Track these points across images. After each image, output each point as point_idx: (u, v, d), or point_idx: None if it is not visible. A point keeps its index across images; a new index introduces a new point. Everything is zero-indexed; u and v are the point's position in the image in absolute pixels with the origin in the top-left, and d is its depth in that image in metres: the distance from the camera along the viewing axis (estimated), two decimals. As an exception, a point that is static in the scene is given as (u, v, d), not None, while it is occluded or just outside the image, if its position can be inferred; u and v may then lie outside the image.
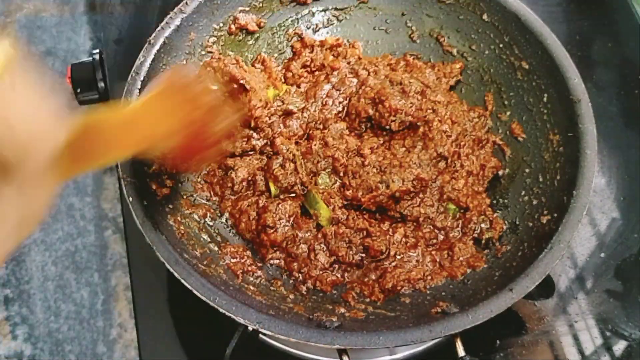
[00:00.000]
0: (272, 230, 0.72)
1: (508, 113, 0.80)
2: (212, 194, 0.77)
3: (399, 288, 0.70)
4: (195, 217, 0.74)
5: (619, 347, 0.77)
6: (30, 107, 0.31)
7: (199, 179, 0.77)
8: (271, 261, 0.73)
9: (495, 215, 0.75)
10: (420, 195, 0.75)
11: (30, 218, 0.34)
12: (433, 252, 0.73)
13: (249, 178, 0.77)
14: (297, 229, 0.73)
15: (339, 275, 0.72)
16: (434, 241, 0.74)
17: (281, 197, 0.75)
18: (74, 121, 0.40)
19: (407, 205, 0.74)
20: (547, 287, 0.80)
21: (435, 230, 0.74)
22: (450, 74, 0.84)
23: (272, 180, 0.75)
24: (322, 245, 0.72)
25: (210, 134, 0.61)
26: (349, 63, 0.85)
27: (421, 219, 0.74)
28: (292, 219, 0.73)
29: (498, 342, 0.76)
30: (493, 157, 0.79)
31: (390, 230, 0.73)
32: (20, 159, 0.31)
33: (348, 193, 0.74)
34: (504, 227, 0.74)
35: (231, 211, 0.76)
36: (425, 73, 0.83)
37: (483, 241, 0.73)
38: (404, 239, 0.73)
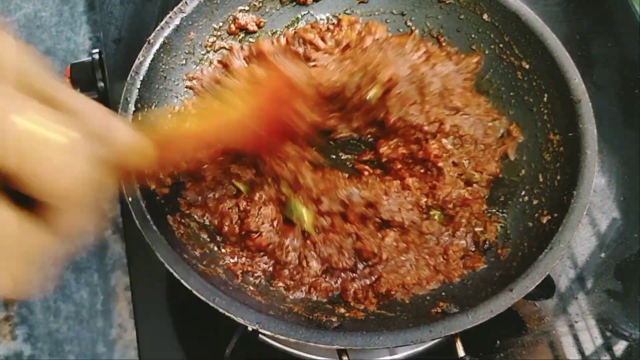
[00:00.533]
0: (256, 235, 0.71)
1: (510, 113, 0.80)
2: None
3: (392, 293, 0.69)
4: (195, 217, 0.74)
5: (619, 347, 0.77)
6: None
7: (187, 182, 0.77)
8: (260, 265, 0.72)
9: (489, 218, 0.74)
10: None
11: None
12: (427, 257, 0.72)
13: (217, 178, 0.76)
14: (283, 236, 0.72)
15: (332, 283, 0.71)
16: (425, 245, 0.73)
17: (258, 198, 0.74)
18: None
19: (386, 210, 0.73)
20: (547, 287, 0.80)
21: (425, 236, 0.73)
22: (467, 69, 0.83)
23: (235, 179, 0.74)
24: (313, 252, 0.71)
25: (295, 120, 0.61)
26: (377, 39, 0.84)
27: (406, 225, 0.73)
28: (275, 223, 0.72)
29: (498, 342, 0.76)
30: (494, 162, 0.77)
31: (380, 234, 0.73)
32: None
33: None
34: (498, 229, 0.73)
35: (213, 214, 0.74)
36: (446, 64, 0.82)
37: (481, 244, 0.73)
38: (394, 243, 0.72)
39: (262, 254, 0.72)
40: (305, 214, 0.72)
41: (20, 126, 0.28)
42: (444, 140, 0.77)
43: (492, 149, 0.78)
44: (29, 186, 0.29)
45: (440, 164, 0.76)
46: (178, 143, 0.52)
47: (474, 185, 0.76)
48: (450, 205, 0.74)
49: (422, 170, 0.77)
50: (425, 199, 0.75)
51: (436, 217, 0.75)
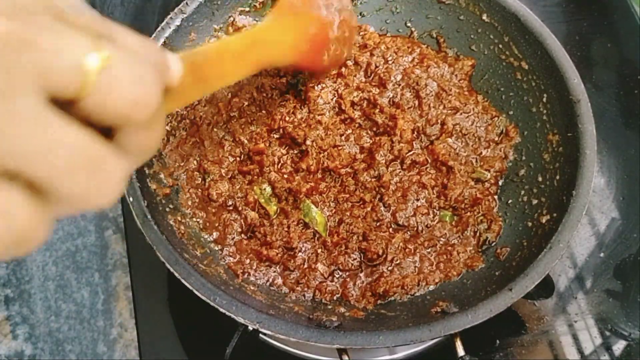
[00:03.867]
0: (269, 248, 0.71)
1: (509, 113, 0.80)
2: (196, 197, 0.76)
3: (390, 294, 0.69)
4: (196, 219, 0.74)
5: (619, 346, 0.77)
6: None
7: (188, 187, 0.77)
8: (268, 272, 0.72)
9: (496, 216, 0.75)
10: (415, 204, 0.75)
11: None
12: (432, 258, 0.72)
13: (228, 197, 0.76)
14: (297, 241, 0.72)
15: (338, 286, 0.71)
16: (433, 249, 0.73)
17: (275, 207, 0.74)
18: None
19: (402, 215, 0.74)
20: (546, 287, 0.80)
21: (434, 239, 0.74)
22: (462, 70, 0.84)
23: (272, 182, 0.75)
24: (321, 254, 0.72)
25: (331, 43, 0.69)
26: (366, 46, 0.85)
27: (420, 229, 0.74)
28: (290, 236, 0.72)
29: (498, 341, 0.76)
30: (499, 158, 0.78)
31: (388, 234, 0.73)
32: None
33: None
34: (502, 227, 0.74)
35: (213, 223, 0.74)
36: (440, 67, 0.83)
37: (480, 243, 0.73)
38: (401, 244, 0.72)
39: (267, 263, 0.72)
40: (317, 216, 0.72)
41: (95, 64, 0.29)
42: (449, 140, 0.78)
43: (495, 145, 0.79)
44: (99, 113, 0.30)
45: (450, 163, 0.76)
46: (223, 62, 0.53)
47: (485, 183, 0.77)
48: (462, 205, 0.75)
49: (432, 171, 0.77)
50: (437, 200, 0.75)
51: (447, 218, 0.75)
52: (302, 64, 0.70)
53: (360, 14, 0.88)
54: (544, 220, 0.69)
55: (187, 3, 0.78)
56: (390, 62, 0.83)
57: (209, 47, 0.53)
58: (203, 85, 0.50)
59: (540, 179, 0.73)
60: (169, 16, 0.77)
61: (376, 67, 0.83)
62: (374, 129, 0.79)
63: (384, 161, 0.76)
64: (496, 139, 0.79)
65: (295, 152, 0.77)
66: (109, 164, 0.30)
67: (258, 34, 0.63)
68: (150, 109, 0.32)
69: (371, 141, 0.78)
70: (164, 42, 0.76)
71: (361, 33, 0.87)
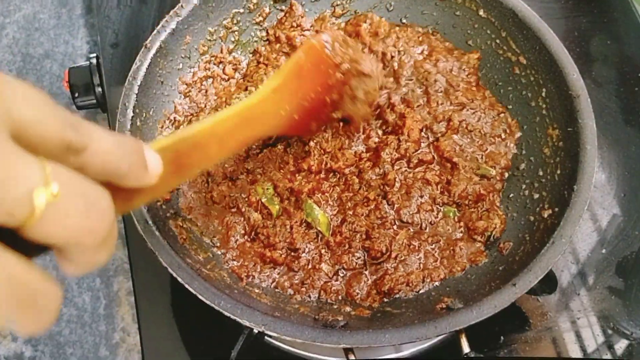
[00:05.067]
0: (272, 249, 0.71)
1: (509, 107, 0.80)
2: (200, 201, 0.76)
3: (396, 291, 0.69)
4: (197, 222, 0.73)
5: (621, 345, 0.77)
6: None
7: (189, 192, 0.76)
8: (272, 274, 0.71)
9: (499, 212, 0.74)
10: (418, 201, 0.75)
11: None
12: (436, 254, 0.72)
13: (230, 199, 0.75)
14: (300, 242, 0.72)
15: (343, 285, 0.71)
16: (437, 245, 0.73)
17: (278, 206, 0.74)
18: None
19: (406, 212, 0.74)
20: (549, 283, 0.80)
21: (438, 235, 0.73)
22: (469, 65, 0.83)
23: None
24: (325, 254, 0.71)
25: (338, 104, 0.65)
26: (377, 34, 0.84)
27: (423, 225, 0.74)
28: (293, 237, 0.72)
29: (502, 338, 0.76)
30: (504, 154, 0.77)
31: (392, 232, 0.73)
32: None
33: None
34: (506, 223, 0.73)
35: (216, 227, 0.74)
36: (449, 61, 0.83)
37: (485, 238, 0.73)
38: (405, 241, 0.72)
39: (271, 265, 0.72)
40: (320, 216, 0.72)
41: (43, 200, 0.28)
42: (455, 137, 0.78)
43: (501, 141, 0.78)
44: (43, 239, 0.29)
45: (455, 159, 0.76)
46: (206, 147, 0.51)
47: (491, 179, 0.76)
48: (466, 202, 0.74)
49: (436, 168, 0.77)
50: (440, 196, 0.75)
51: (450, 214, 0.75)
52: (289, 133, 0.68)
53: (355, 12, 0.88)
54: (546, 215, 0.69)
55: (182, 6, 0.78)
56: (402, 54, 0.83)
57: (194, 130, 0.49)
58: (184, 173, 0.46)
59: (541, 173, 0.73)
60: (164, 19, 0.77)
61: (392, 56, 0.82)
62: (384, 127, 0.79)
63: (389, 159, 0.76)
64: (502, 135, 0.79)
65: (299, 151, 0.77)
66: (43, 297, 0.29)
67: (251, 110, 0.58)
68: (99, 236, 0.31)
69: (378, 140, 0.78)
70: (160, 45, 0.75)
71: (367, 21, 0.85)
